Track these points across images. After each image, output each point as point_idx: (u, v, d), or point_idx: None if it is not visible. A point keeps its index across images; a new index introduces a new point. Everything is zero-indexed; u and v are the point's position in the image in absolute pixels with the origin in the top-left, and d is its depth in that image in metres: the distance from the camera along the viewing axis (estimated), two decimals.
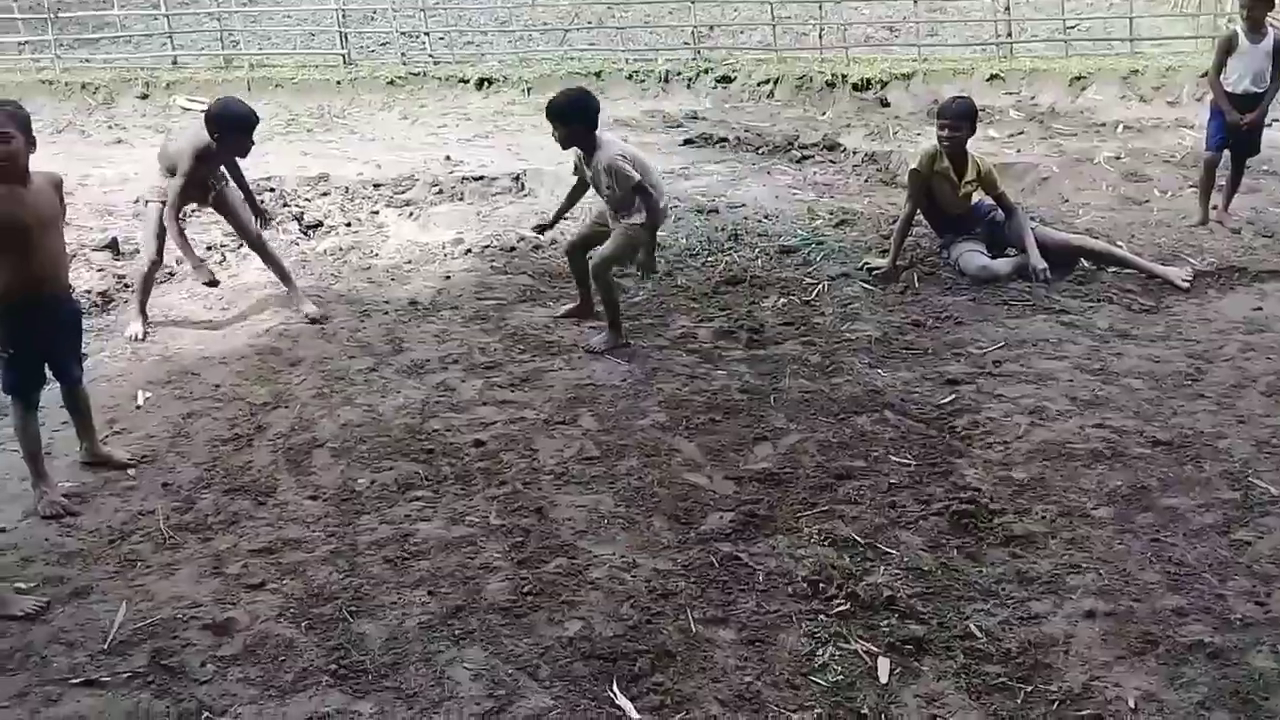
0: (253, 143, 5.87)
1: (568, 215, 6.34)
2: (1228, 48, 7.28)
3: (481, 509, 4.25)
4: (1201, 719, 3.10)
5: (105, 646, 3.49)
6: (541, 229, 6.38)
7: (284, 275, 6.36)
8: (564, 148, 5.65)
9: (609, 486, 4.40)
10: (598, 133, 5.53)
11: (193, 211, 7.14)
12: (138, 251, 6.37)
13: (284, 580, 3.82)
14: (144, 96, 12.69)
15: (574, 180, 5.97)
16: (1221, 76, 7.29)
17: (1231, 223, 7.35)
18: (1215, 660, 3.32)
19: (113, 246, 7.23)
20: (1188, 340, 5.63)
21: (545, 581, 3.76)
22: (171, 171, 5.89)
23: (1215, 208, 7.47)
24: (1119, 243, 6.82)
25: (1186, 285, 6.27)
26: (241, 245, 6.82)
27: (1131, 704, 3.16)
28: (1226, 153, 7.42)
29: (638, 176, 5.47)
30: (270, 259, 6.38)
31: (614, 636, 3.48)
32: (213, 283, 6.00)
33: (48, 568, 3.91)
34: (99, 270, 6.84)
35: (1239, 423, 4.75)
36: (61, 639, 3.52)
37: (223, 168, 6.18)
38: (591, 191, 5.87)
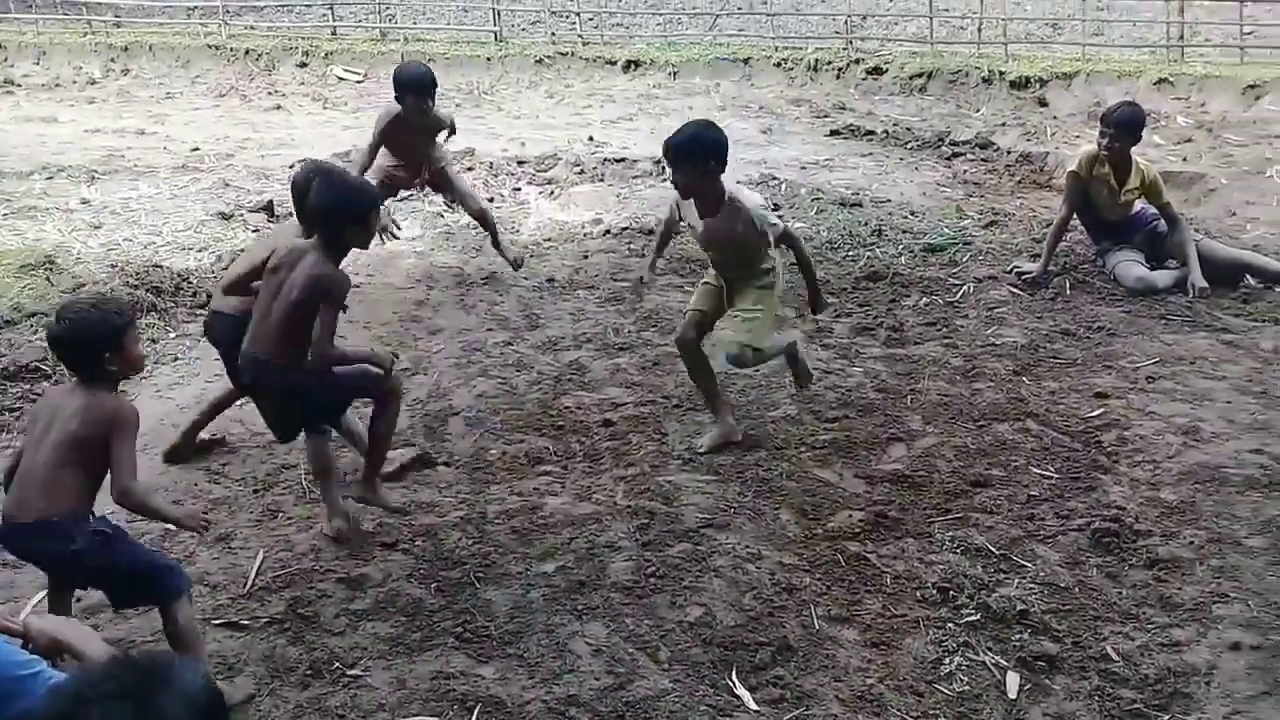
0: (432, 102, 5.97)
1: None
2: None
3: (608, 488, 4.27)
4: None
5: (245, 591, 3.63)
6: (640, 286, 5.08)
7: (495, 236, 6.50)
8: (685, 196, 4.45)
9: (736, 475, 4.37)
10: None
11: (406, 197, 7.33)
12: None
13: (416, 541, 3.92)
14: (303, 65, 13.14)
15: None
16: None
17: None
18: None
19: (268, 209, 7.51)
20: None
21: (669, 565, 3.76)
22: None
23: None
24: None
25: None
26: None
27: None
28: None
29: (780, 223, 4.53)
30: (490, 227, 6.50)
31: (735, 625, 3.46)
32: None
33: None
34: (254, 230, 7.12)
35: None
36: (206, 580, 3.68)
37: (441, 148, 6.32)
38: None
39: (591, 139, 9.71)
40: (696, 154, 4.31)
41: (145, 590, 3.14)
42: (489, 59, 13.01)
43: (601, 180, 8.59)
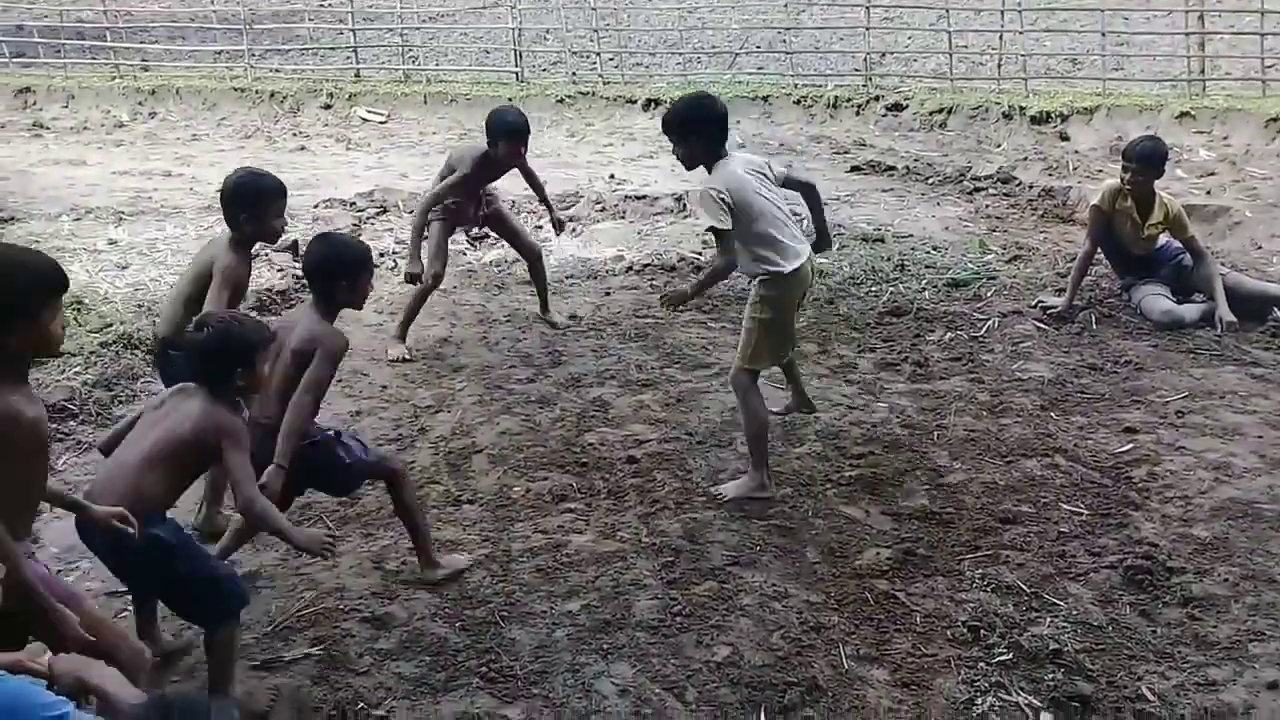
0: (525, 148, 6.08)
1: None
2: None
3: (633, 525, 4.24)
4: None
5: (270, 630, 3.61)
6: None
7: (544, 298, 6.47)
8: (688, 168, 4.47)
9: (762, 513, 4.33)
10: (727, 150, 4.34)
11: (470, 239, 7.36)
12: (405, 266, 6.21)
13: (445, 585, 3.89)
14: (327, 106, 13.29)
15: None
16: None
17: None
18: None
19: (293, 248, 7.57)
20: None
21: (695, 603, 3.72)
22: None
23: None
24: None
25: None
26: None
27: None
28: None
29: (721, 222, 4.14)
30: (539, 278, 6.48)
31: (763, 665, 3.42)
32: (413, 279, 6.01)
33: None
34: (279, 270, 7.17)
35: None
36: None
37: (496, 187, 6.35)
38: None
39: (613, 177, 9.76)
40: (676, 125, 4.33)
41: (203, 603, 3.15)
42: (511, 99, 13.11)
43: (623, 217, 8.64)
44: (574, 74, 14.05)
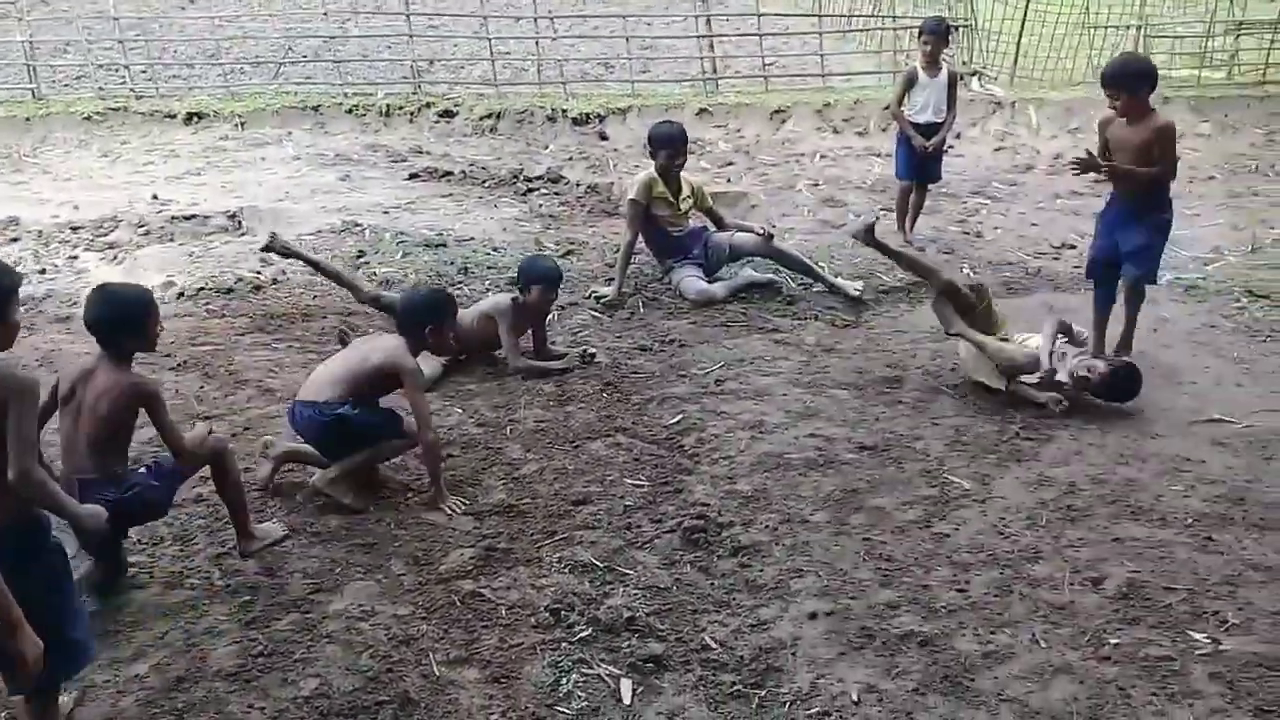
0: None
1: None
2: (909, 82, 7.98)
3: (204, 569, 4.01)
4: (917, 703, 3.35)
5: None
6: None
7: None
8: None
9: (344, 534, 4.27)
10: None
11: None
12: None
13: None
14: None
15: None
16: (904, 109, 7.99)
17: (917, 242, 8.05)
18: (925, 648, 3.60)
19: None
20: (885, 351, 6.11)
21: (277, 640, 3.60)
22: None
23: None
24: (820, 264, 7.23)
25: (857, 293, 6.82)
26: None
27: (855, 697, 3.37)
28: None
29: None
30: None
31: (353, 690, 3.38)
32: None
33: None
34: None
35: (933, 424, 5.20)
36: None
37: None
38: None
39: (155, 197, 9.08)
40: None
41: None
42: (28, 118, 11.81)
43: (171, 240, 8.07)
44: (101, 88, 12.88)
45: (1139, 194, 5.68)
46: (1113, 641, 3.61)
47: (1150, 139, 5.54)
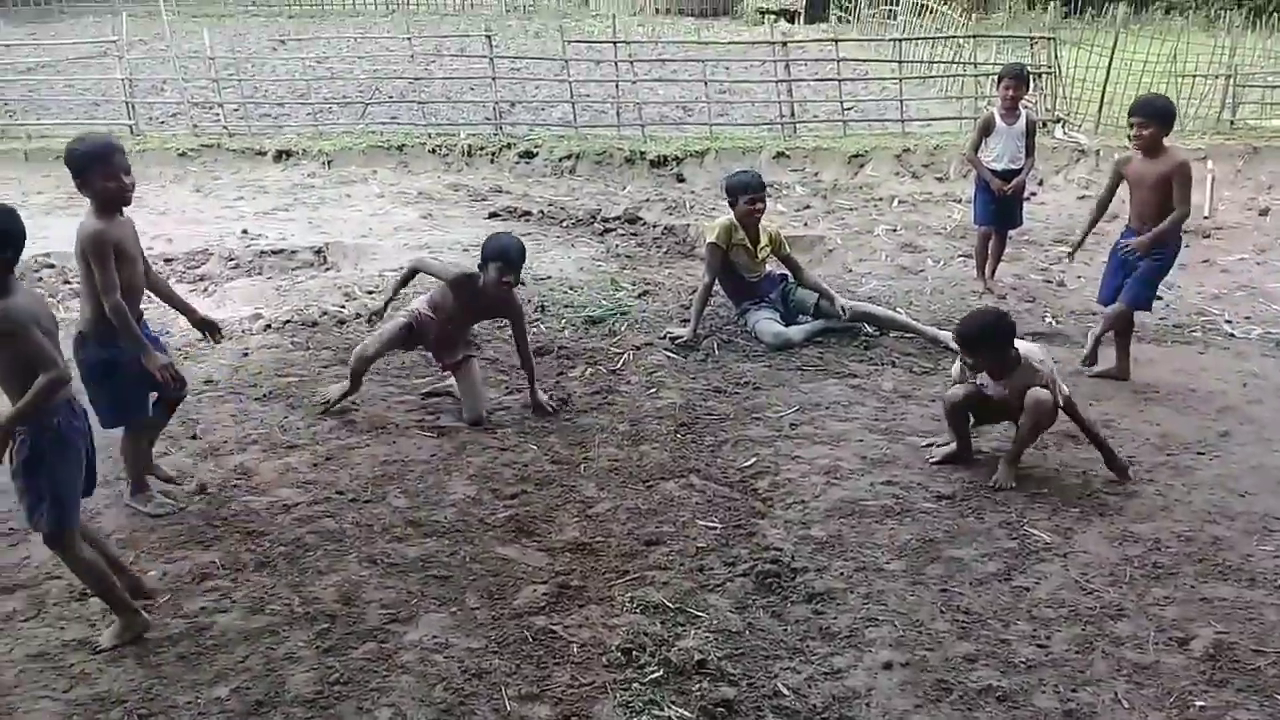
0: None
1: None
2: (986, 128, 7.93)
3: (284, 596, 4.09)
4: None
5: None
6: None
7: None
8: None
9: (419, 565, 4.33)
10: None
11: None
12: None
13: (74, 687, 3.56)
14: None
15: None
16: (981, 154, 7.93)
17: (998, 289, 7.96)
18: (1003, 703, 3.53)
19: None
20: None
21: (353, 669, 3.65)
22: None
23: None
24: (898, 309, 7.25)
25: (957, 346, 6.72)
26: None
27: None
28: None
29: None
30: None
31: None
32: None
33: None
34: None
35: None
36: None
37: None
38: None
39: (245, 231, 9.37)
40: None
41: None
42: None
43: (259, 273, 8.32)
44: (195, 125, 13.34)
45: (1151, 226, 6.11)
46: (1199, 704, 3.50)
47: (1168, 173, 5.99)
